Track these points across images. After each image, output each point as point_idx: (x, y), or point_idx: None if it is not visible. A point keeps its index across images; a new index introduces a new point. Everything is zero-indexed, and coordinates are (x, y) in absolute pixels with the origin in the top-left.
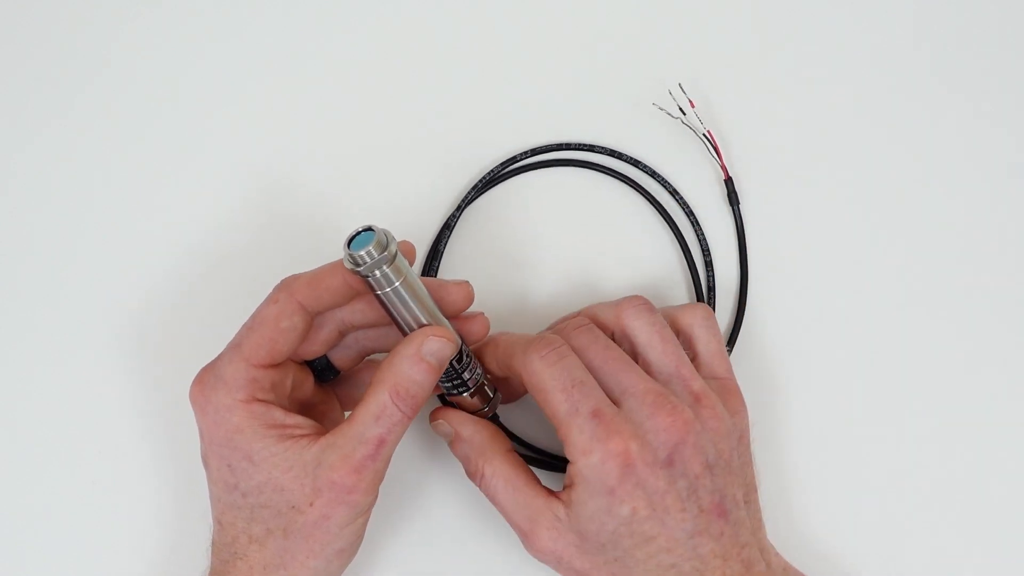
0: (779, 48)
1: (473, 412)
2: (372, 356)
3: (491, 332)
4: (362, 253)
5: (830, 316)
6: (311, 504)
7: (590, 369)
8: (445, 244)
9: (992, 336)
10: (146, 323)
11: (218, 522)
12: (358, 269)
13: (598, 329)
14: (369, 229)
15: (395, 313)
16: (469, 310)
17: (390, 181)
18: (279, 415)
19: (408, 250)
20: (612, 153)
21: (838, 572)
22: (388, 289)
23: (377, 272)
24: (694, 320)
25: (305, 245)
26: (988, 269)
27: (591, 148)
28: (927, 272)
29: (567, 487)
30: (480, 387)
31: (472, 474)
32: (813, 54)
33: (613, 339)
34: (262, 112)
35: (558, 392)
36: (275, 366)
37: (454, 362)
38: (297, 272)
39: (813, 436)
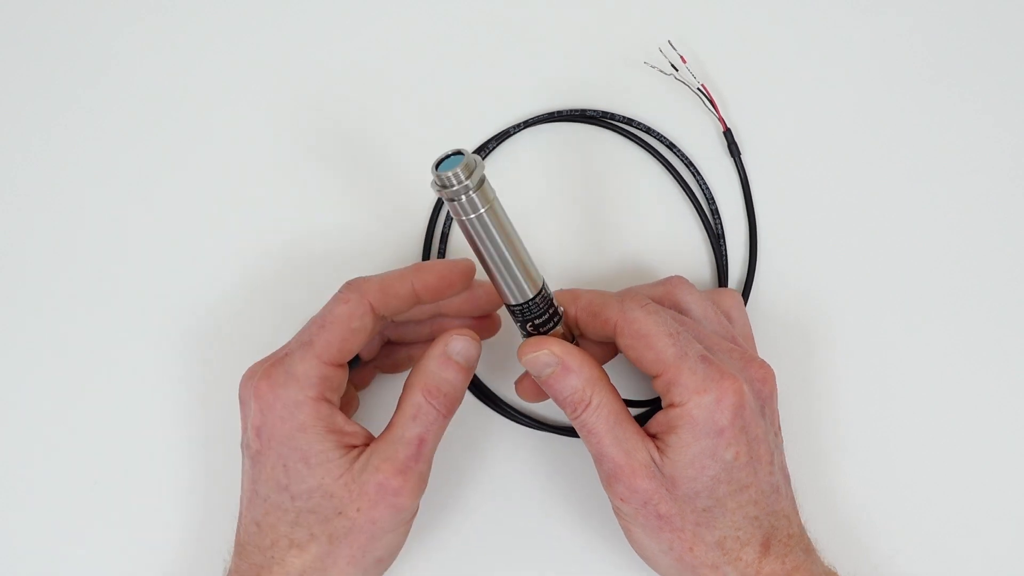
0: None
1: None
2: None
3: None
4: (449, 174)
5: (841, 260)
6: (358, 509)
7: None
8: (450, 224)
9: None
10: (155, 321)
11: (256, 524)
12: (444, 191)
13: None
14: (459, 152)
15: (479, 244)
16: None
17: (386, 167)
18: (341, 421)
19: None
20: (605, 114)
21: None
22: (473, 215)
23: (463, 197)
24: (732, 304)
25: (313, 244)
26: (1006, 211)
27: (583, 112)
28: (938, 209)
29: (662, 433)
30: (565, 318)
31: (576, 404)
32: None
33: None
34: (260, 115)
35: (665, 336)
36: (340, 366)
37: (545, 292)
38: (362, 274)
39: (830, 392)
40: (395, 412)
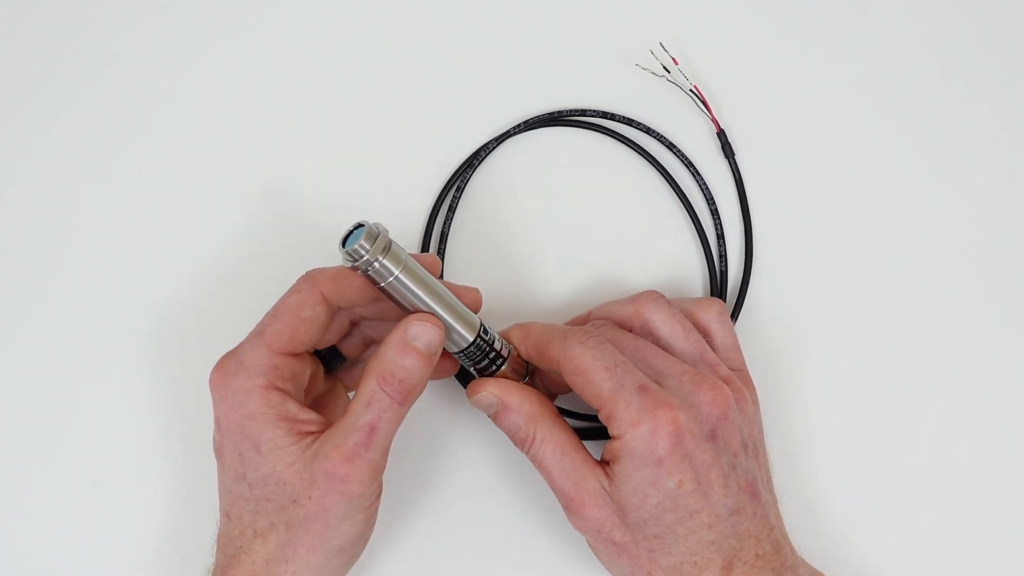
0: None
1: None
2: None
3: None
4: (355, 247)
5: (837, 261)
6: (310, 497)
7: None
8: (449, 225)
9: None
10: (153, 320)
11: (226, 515)
12: (356, 264)
13: (620, 328)
14: (360, 225)
15: (406, 304)
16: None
17: (385, 174)
18: (293, 408)
19: (432, 263)
20: (605, 115)
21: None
22: (391, 279)
23: (376, 264)
24: (710, 316)
25: (310, 245)
26: (1006, 210)
27: (583, 113)
28: (937, 208)
29: (608, 462)
30: (514, 356)
31: (522, 440)
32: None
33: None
34: (261, 114)
35: (601, 371)
36: (295, 356)
37: (481, 334)
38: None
39: (827, 394)
40: (352, 399)
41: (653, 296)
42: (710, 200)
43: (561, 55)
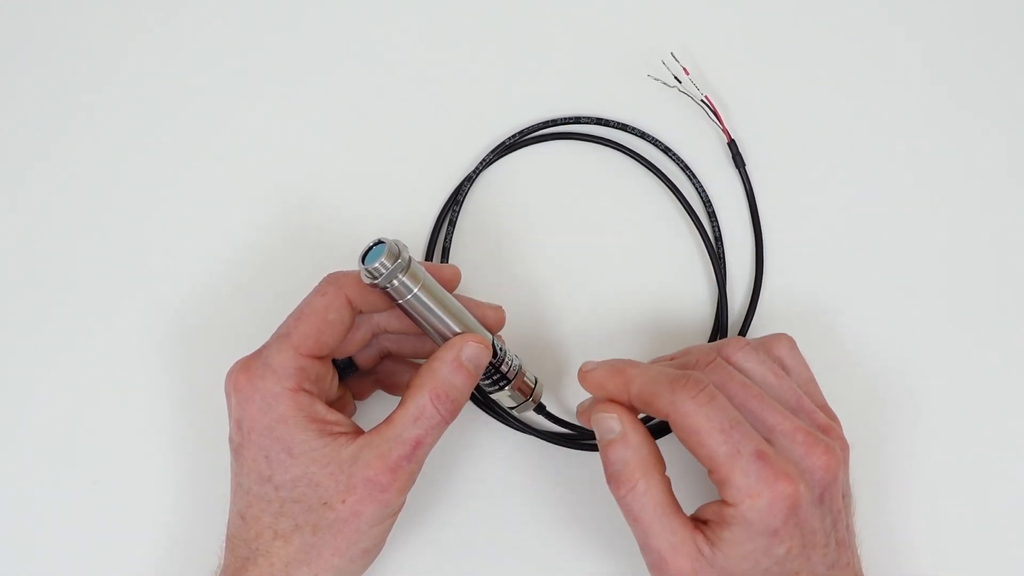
0: (765, 7)
1: (517, 405)
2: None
3: (594, 359)
4: (376, 265)
5: (849, 271)
6: (343, 501)
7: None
8: (451, 239)
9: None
10: (161, 320)
11: (240, 516)
12: (376, 281)
13: (728, 364)
14: (380, 242)
15: (422, 320)
16: (488, 300)
17: (389, 185)
18: (322, 410)
19: (453, 275)
20: (599, 121)
21: None
22: (409, 296)
23: (395, 281)
24: (783, 351)
25: (317, 251)
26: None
27: (577, 120)
28: (952, 218)
29: (714, 524)
30: (520, 378)
31: (623, 482)
32: (801, 9)
33: None
34: (276, 119)
35: (716, 433)
36: (320, 359)
37: (495, 355)
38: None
39: (839, 409)
40: (397, 408)
41: (742, 343)
42: (707, 203)
43: (569, 65)
